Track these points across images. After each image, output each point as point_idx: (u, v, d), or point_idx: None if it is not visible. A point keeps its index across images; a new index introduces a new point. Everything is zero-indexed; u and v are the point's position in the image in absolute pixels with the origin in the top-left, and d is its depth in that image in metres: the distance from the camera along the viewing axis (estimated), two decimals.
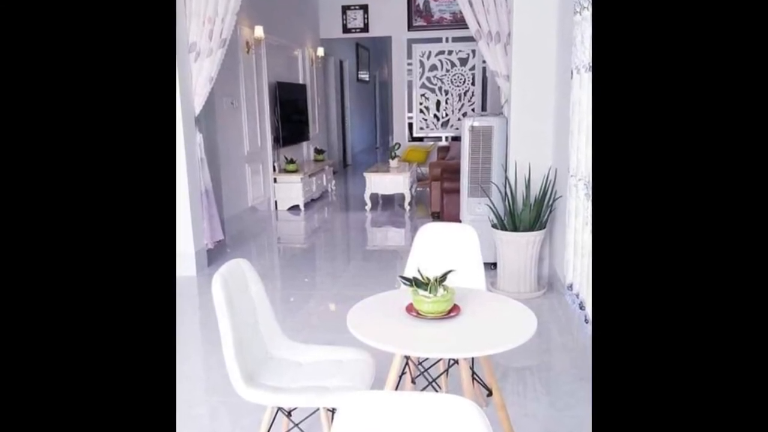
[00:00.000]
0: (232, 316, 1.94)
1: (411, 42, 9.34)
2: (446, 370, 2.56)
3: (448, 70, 9.32)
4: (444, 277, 1.98)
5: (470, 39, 6.11)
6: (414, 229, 5.36)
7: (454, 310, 2.00)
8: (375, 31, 9.44)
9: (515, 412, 2.45)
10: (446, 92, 9.43)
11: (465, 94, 9.37)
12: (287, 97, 7.61)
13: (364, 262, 5.33)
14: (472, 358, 2.36)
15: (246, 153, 6.67)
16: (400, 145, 8.57)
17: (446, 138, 9.55)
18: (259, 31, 6.68)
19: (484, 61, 8.43)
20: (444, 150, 8.42)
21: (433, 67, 9.35)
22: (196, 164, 4.67)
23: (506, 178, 4.21)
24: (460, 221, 4.57)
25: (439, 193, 6.01)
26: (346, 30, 9.44)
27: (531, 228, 3.92)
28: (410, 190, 7.36)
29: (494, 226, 4.01)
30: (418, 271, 2.04)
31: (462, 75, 9.30)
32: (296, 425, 2.09)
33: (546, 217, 3.97)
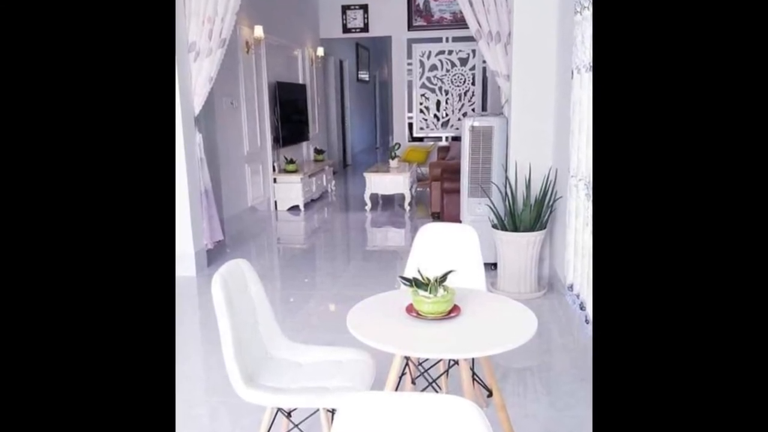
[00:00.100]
0: (232, 316, 1.94)
1: (411, 42, 9.34)
2: (446, 371, 2.55)
3: (448, 70, 9.32)
4: (444, 277, 1.98)
5: (470, 39, 6.10)
6: (414, 230, 5.36)
7: (454, 311, 1.99)
8: (375, 31, 9.44)
9: (515, 412, 2.45)
10: (446, 92, 9.43)
11: (465, 94, 9.37)
12: (287, 97, 7.61)
13: (364, 263, 5.33)
14: (473, 359, 2.36)
15: (246, 153, 6.67)
16: (400, 145, 8.57)
17: (446, 138, 9.55)
18: (258, 31, 6.68)
19: (484, 61, 8.43)
20: (444, 150, 8.42)
21: (433, 67, 9.35)
22: (195, 164, 4.67)
23: (506, 178, 4.21)
24: (460, 221, 4.57)
25: (439, 193, 6.01)
26: (346, 30, 9.44)
27: (531, 228, 3.92)
28: (410, 190, 7.36)
29: (494, 226, 4.00)
30: (418, 271, 2.03)
31: (462, 75, 9.30)
32: (296, 426, 2.08)
33: (546, 217, 3.96)
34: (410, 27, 9.28)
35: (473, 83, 9.30)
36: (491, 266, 4.24)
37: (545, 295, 4.01)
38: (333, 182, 8.82)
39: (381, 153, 13.28)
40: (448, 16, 9.10)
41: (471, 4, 4.40)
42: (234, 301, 1.99)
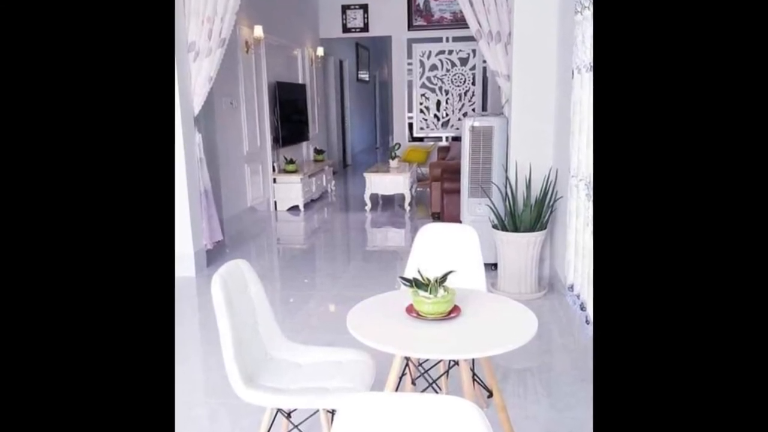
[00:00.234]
0: (232, 317, 1.94)
1: (411, 42, 9.34)
2: (446, 372, 2.55)
3: (448, 70, 9.32)
4: (444, 277, 1.98)
5: (471, 39, 6.10)
6: (414, 230, 5.36)
7: (454, 311, 1.99)
8: (375, 31, 9.44)
9: (516, 413, 2.44)
10: (446, 92, 9.42)
11: (465, 93, 9.37)
12: (287, 97, 7.61)
13: (364, 263, 5.32)
14: (473, 360, 2.35)
15: (245, 153, 6.67)
16: (400, 145, 8.57)
17: (446, 138, 9.54)
18: (258, 31, 6.68)
19: (484, 61, 8.42)
20: (444, 150, 8.41)
21: (434, 67, 9.35)
22: (195, 164, 4.67)
23: (507, 178, 4.21)
24: (460, 222, 4.57)
25: (440, 193, 6.01)
26: (345, 30, 9.44)
27: (532, 228, 3.92)
28: (410, 190, 7.36)
29: (495, 226, 4.00)
30: (419, 271, 2.03)
31: (462, 75, 9.30)
32: (296, 427, 2.08)
33: (547, 217, 3.96)
34: (410, 27, 9.28)
35: (473, 83, 9.30)
36: (491, 266, 4.24)
37: (546, 295, 4.00)
38: (333, 182, 8.81)
39: (381, 153, 13.29)
40: (448, 15, 9.10)
41: (471, 4, 4.39)
42: (233, 302, 1.99)
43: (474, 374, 2.32)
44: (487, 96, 9.21)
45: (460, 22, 8.23)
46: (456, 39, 9.11)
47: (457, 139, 8.78)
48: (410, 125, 9.71)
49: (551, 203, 3.97)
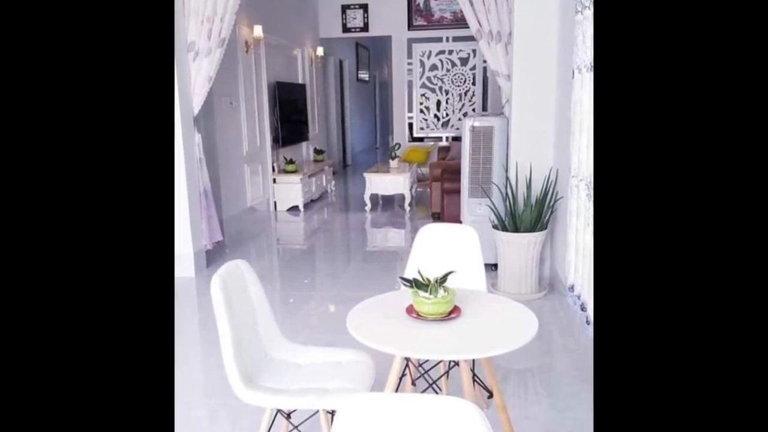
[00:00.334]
0: (231, 317, 1.93)
1: (411, 41, 9.34)
2: (447, 372, 2.55)
3: (448, 70, 9.31)
4: (444, 278, 1.97)
5: (471, 38, 6.10)
6: (414, 230, 5.36)
7: (454, 312, 1.99)
8: (375, 31, 9.44)
9: (516, 414, 2.44)
10: (447, 92, 9.42)
11: (465, 93, 9.37)
12: (286, 97, 7.61)
13: (364, 263, 5.32)
14: (473, 360, 2.35)
15: (245, 153, 6.67)
16: (400, 145, 8.56)
17: (447, 138, 9.54)
18: (258, 31, 6.68)
19: (484, 61, 8.42)
20: (444, 150, 8.41)
21: (434, 67, 9.35)
22: (194, 164, 4.66)
23: (507, 178, 4.20)
24: (460, 222, 4.56)
25: (440, 193, 6.00)
26: (345, 29, 9.43)
27: (532, 229, 3.91)
28: (410, 190, 7.35)
29: (495, 226, 4.00)
30: (419, 272, 2.03)
31: (462, 75, 9.30)
32: (296, 427, 2.08)
33: (547, 217, 3.96)
34: (410, 26, 9.27)
35: (473, 83, 9.30)
36: (492, 267, 4.24)
37: (546, 295, 4.00)
38: (333, 182, 8.81)
39: (381, 153, 13.28)
40: (448, 15, 9.10)
41: (471, 4, 4.39)
42: (233, 302, 1.98)
43: (474, 375, 2.32)
44: (487, 96, 9.20)
45: (460, 21, 8.23)
46: (456, 39, 9.10)
47: (457, 139, 8.78)
48: (410, 125, 9.71)
49: (552, 203, 3.96)
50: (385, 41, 10.17)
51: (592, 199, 2.97)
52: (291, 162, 7.41)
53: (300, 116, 8.25)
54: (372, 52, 14.03)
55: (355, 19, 9.35)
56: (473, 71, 9.26)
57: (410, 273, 2.32)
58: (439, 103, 9.49)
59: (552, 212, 4.01)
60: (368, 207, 7.28)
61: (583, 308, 3.27)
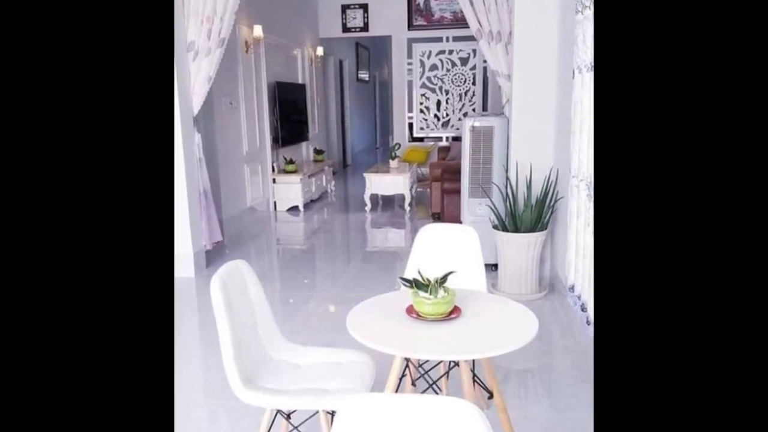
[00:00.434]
0: (231, 317, 1.93)
1: (411, 41, 9.34)
2: (447, 373, 2.54)
3: (448, 70, 9.31)
4: (444, 278, 1.97)
5: (471, 38, 6.09)
6: (414, 230, 5.35)
7: (454, 312, 1.98)
8: (375, 31, 9.44)
9: (516, 414, 2.44)
10: (447, 92, 9.42)
11: (466, 93, 9.36)
12: (286, 97, 7.60)
13: (363, 264, 5.32)
14: (473, 360, 2.35)
15: (245, 153, 6.66)
16: (400, 145, 8.56)
17: (447, 138, 9.54)
18: (258, 31, 6.67)
19: (484, 61, 8.41)
20: (444, 150, 8.41)
21: (434, 67, 9.34)
22: (194, 164, 4.66)
23: (507, 178, 4.20)
24: (460, 222, 4.56)
25: (440, 193, 6.00)
26: (345, 29, 9.43)
27: (532, 229, 3.91)
28: (410, 190, 7.35)
29: (495, 227, 3.99)
30: (419, 272, 2.02)
31: (463, 74, 9.29)
32: (295, 428, 2.07)
33: (547, 218, 3.95)
34: (410, 26, 9.27)
35: (474, 83, 9.29)
36: (492, 267, 4.23)
37: (546, 296, 4.00)
38: (333, 182, 8.81)
39: (381, 153, 13.28)
40: (448, 15, 9.10)
41: (471, 4, 4.39)
42: (233, 303, 1.98)
43: (474, 375, 2.31)
44: (487, 96, 9.20)
45: (460, 21, 8.22)
46: (456, 39, 9.10)
47: (457, 139, 8.78)
48: (410, 125, 9.71)
49: (552, 203, 3.96)
50: (385, 41, 10.16)
51: (593, 199, 2.97)
52: (291, 162, 7.41)
53: (300, 116, 8.25)
54: (372, 52, 14.03)
55: (355, 18, 9.35)
56: (473, 71, 9.26)
57: (410, 273, 2.32)
58: (439, 103, 9.49)
59: (552, 212, 4.01)
60: (368, 207, 7.28)
61: (583, 308, 3.26)
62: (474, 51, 9.07)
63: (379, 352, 1.84)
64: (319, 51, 9.23)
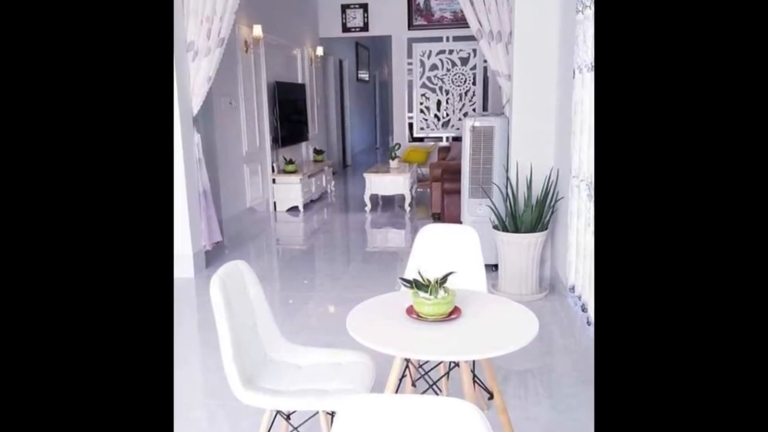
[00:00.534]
0: (231, 318, 1.93)
1: (411, 41, 9.33)
2: (447, 373, 2.54)
3: (448, 70, 9.31)
4: (445, 278, 1.97)
5: (471, 38, 6.09)
6: (414, 231, 5.35)
7: (454, 313, 1.98)
8: (375, 31, 9.43)
9: (517, 415, 2.43)
10: (447, 92, 9.42)
11: (466, 93, 9.36)
12: (286, 97, 7.60)
13: (363, 264, 5.31)
14: (473, 361, 2.34)
15: (244, 153, 6.66)
16: (400, 145, 8.56)
17: (447, 138, 9.54)
18: (257, 30, 6.67)
19: (485, 61, 8.42)
20: (445, 150, 8.41)
21: (434, 67, 9.34)
22: (193, 165, 4.66)
23: (507, 178, 4.20)
24: (460, 222, 4.56)
25: (440, 194, 6.00)
26: (345, 29, 9.43)
27: (533, 229, 3.91)
28: (410, 191, 7.35)
29: (495, 227, 3.99)
30: (419, 272, 2.02)
31: (463, 74, 9.29)
32: (295, 429, 2.07)
33: (548, 218, 3.95)
34: (410, 26, 9.27)
35: (474, 83, 9.29)
36: (492, 267, 4.23)
37: (547, 296, 3.99)
38: (332, 183, 8.81)
39: (381, 153, 13.28)
40: (448, 15, 9.09)
41: (472, 4, 4.39)
42: (233, 303, 1.98)
43: (475, 376, 2.31)
44: (487, 96, 9.20)
45: (460, 21, 8.22)
46: (456, 38, 9.10)
47: (457, 139, 8.78)
48: (410, 125, 9.70)
49: (552, 204, 3.96)
50: (385, 41, 10.16)
51: (593, 199, 2.96)
52: (290, 162, 7.41)
53: (300, 116, 8.25)
54: (372, 52, 14.03)
55: (355, 18, 9.34)
56: (473, 71, 9.26)
57: (410, 274, 2.31)
58: (439, 103, 9.49)
59: (553, 213, 4.00)
60: (368, 207, 7.28)
61: (583, 309, 3.26)
62: (474, 51, 9.07)
63: (379, 353, 1.84)
64: (319, 51, 9.22)
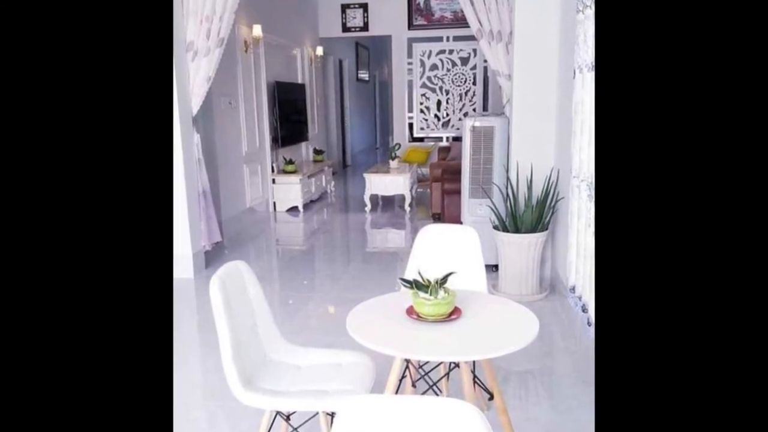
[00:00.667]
0: (230, 318, 1.92)
1: (411, 41, 9.33)
2: (447, 374, 2.54)
3: (449, 70, 9.31)
4: (445, 279, 1.96)
5: (471, 38, 6.09)
6: (414, 231, 5.35)
7: (455, 313, 1.98)
8: (375, 30, 9.43)
9: (517, 416, 2.43)
10: (447, 92, 9.41)
11: (466, 93, 9.36)
12: (286, 97, 7.60)
13: (363, 264, 5.31)
14: (474, 362, 2.34)
15: (244, 153, 6.66)
16: (400, 145, 8.56)
17: (447, 138, 9.54)
18: (257, 30, 6.67)
19: (485, 61, 8.41)
20: (445, 150, 8.41)
21: (434, 67, 9.34)
22: (193, 165, 4.65)
23: (508, 178, 4.19)
24: (461, 223, 4.55)
25: (440, 194, 6.00)
26: (345, 29, 9.43)
27: (533, 229, 3.90)
28: (410, 191, 7.35)
29: (496, 227, 3.99)
30: (419, 273, 2.02)
31: (463, 74, 9.29)
32: (295, 429, 2.07)
33: (548, 218, 3.95)
34: (410, 26, 9.27)
35: (474, 83, 9.29)
36: (492, 268, 4.23)
37: (547, 297, 3.99)
38: (332, 183, 8.80)
39: (381, 153, 13.28)
40: (448, 15, 9.09)
41: (472, 3, 4.38)
42: (232, 304, 1.98)
43: (475, 376, 2.31)
44: (487, 96, 9.20)
45: (460, 21, 8.22)
46: (456, 38, 9.10)
47: (457, 139, 8.77)
48: (410, 125, 9.70)
49: (553, 204, 3.95)
50: (385, 41, 10.16)
51: (594, 199, 2.96)
52: (290, 162, 7.40)
53: (299, 116, 8.25)
54: (372, 52, 14.03)
55: (355, 18, 9.34)
56: (474, 71, 9.25)
57: (410, 274, 2.31)
58: (439, 103, 9.49)
59: (553, 213, 4.00)
60: (368, 207, 7.28)
61: (584, 309, 3.26)
62: (474, 51, 9.07)
63: (379, 354, 1.84)
64: (319, 51, 9.22)
